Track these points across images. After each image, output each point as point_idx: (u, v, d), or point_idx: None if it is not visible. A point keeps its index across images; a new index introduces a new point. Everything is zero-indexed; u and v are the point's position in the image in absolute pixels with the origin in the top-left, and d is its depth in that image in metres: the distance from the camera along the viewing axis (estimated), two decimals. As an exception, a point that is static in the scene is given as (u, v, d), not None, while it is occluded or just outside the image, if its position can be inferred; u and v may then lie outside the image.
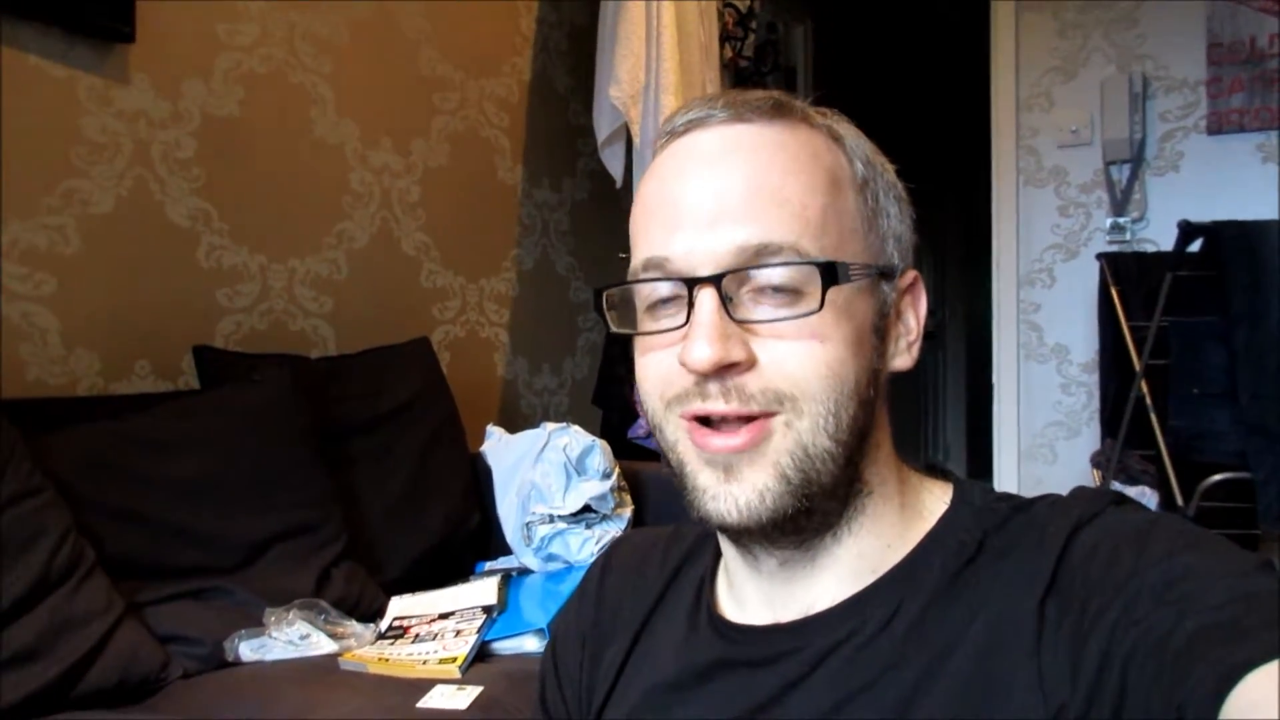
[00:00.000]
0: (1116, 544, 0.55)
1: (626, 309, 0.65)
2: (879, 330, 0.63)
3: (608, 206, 3.34)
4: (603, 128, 2.85)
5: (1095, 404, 3.13)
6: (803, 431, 0.58)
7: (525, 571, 2.03)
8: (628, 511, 2.05)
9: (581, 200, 3.31)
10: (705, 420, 0.59)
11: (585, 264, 3.31)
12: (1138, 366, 2.55)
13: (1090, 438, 3.18)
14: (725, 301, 0.58)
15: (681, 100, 2.84)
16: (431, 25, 2.72)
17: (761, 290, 0.59)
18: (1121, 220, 3.18)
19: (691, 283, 0.58)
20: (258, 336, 2.24)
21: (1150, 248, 3.08)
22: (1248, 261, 2.23)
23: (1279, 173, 2.94)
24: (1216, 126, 3.07)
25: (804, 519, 0.60)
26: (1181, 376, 2.39)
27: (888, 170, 0.66)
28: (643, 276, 0.62)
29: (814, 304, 0.57)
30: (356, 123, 2.49)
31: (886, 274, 0.63)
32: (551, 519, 1.98)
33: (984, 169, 3.49)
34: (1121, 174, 3.20)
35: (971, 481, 0.67)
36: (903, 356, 0.66)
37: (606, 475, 2.03)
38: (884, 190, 0.65)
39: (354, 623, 1.72)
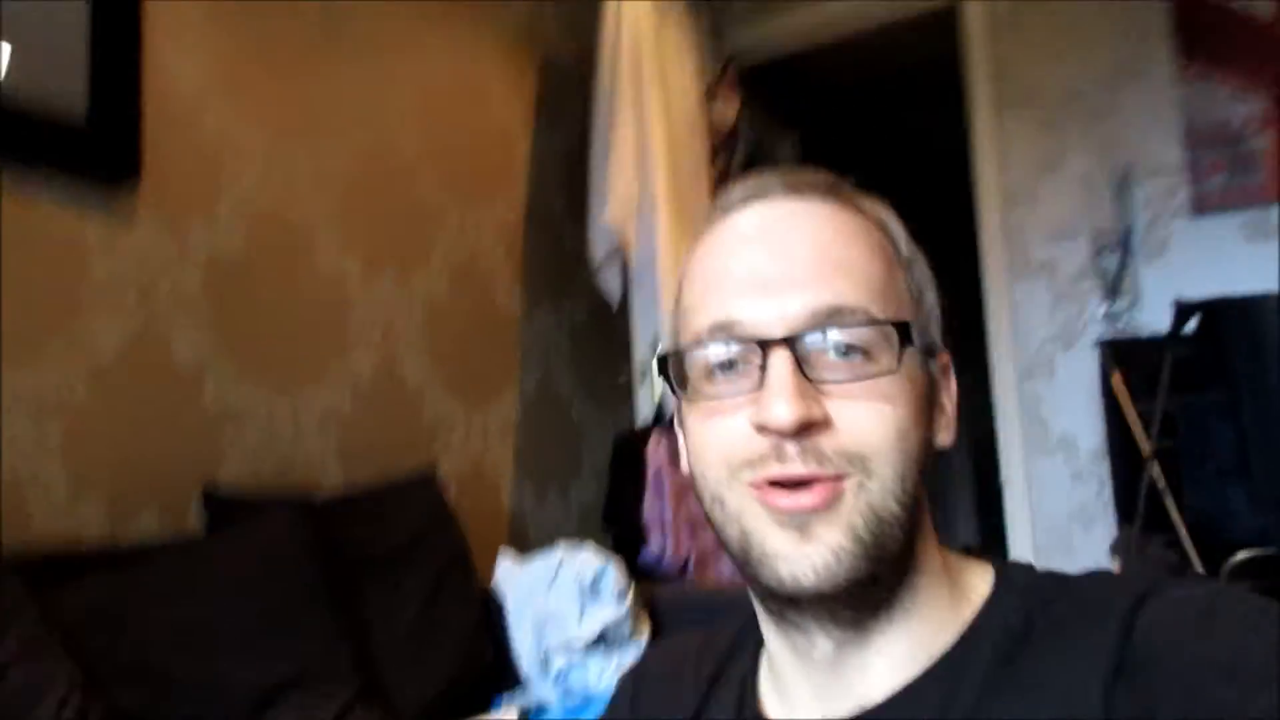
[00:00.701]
0: (1181, 621, 0.54)
1: (678, 380, 0.65)
2: (930, 402, 0.64)
3: (607, 327, 3.36)
4: (598, 251, 2.90)
5: (1108, 492, 3.09)
6: (873, 494, 0.58)
7: (544, 708, 1.98)
8: (645, 635, 2.01)
9: (581, 322, 3.34)
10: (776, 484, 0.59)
11: (586, 385, 3.32)
12: (1146, 451, 2.53)
13: (1107, 526, 3.13)
14: (800, 363, 0.58)
15: (675, 217, 2.89)
16: (429, 156, 2.78)
17: (830, 356, 0.59)
18: (1116, 307, 3.20)
19: (765, 344, 0.58)
20: (264, 475, 2.23)
21: (1147, 331, 3.09)
22: (1246, 336, 2.23)
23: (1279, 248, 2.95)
24: (1200, 208, 3.11)
25: (870, 588, 0.59)
26: (1193, 457, 2.37)
27: (921, 255, 0.68)
28: (709, 340, 0.62)
29: (889, 364, 0.59)
30: (358, 256, 2.54)
31: (930, 351, 0.65)
32: (569, 647, 1.94)
33: (973, 267, 3.53)
34: (1111, 261, 3.23)
35: (1013, 562, 0.67)
36: (944, 433, 0.66)
37: (622, 598, 1.99)
38: (922, 272, 0.67)
39: (371, 769, 1.67)
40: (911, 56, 4.23)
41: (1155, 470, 2.50)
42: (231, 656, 1.71)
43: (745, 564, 0.61)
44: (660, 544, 2.57)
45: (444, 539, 2.25)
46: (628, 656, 1.93)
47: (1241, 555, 2.24)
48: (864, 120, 5.14)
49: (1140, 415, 2.62)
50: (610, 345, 3.37)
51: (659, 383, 2.83)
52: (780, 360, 0.58)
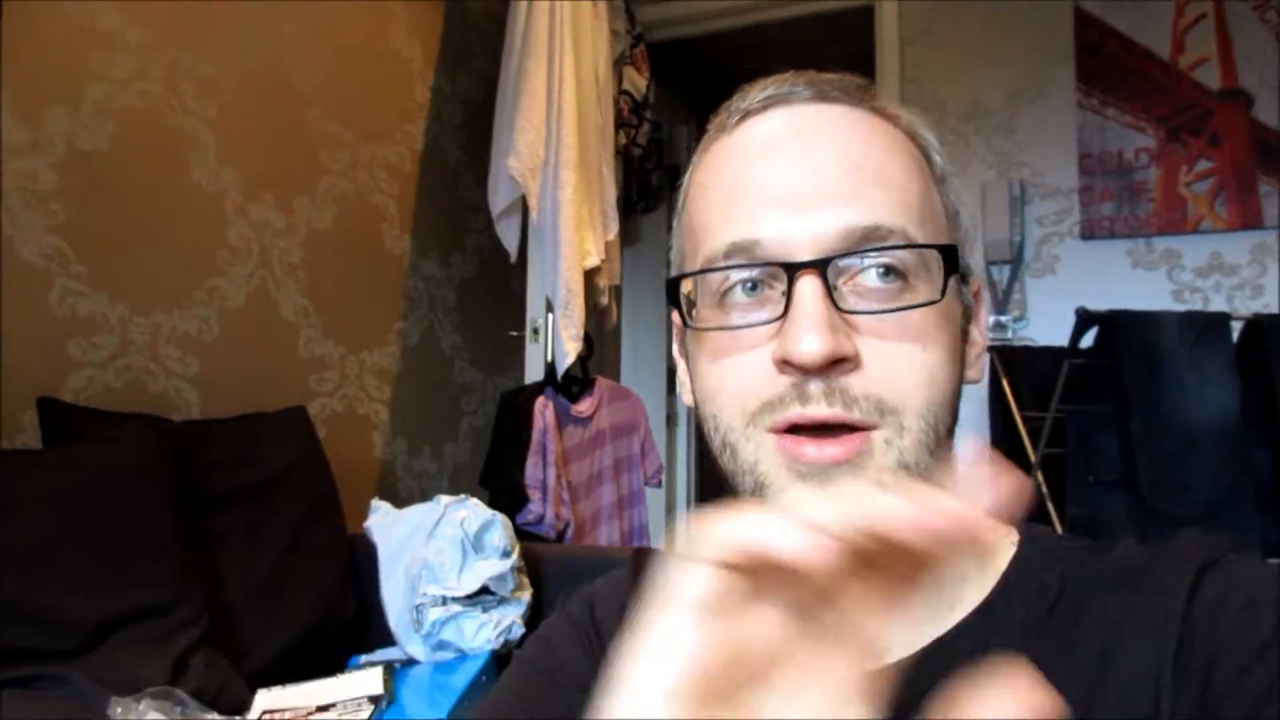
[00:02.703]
0: (1248, 599, 0.48)
1: (687, 308, 0.57)
2: (965, 335, 0.58)
3: (497, 286, 3.23)
4: (499, 199, 2.76)
5: (982, 498, 3.12)
6: (905, 450, 0.51)
7: (410, 663, 1.82)
8: (527, 595, 1.88)
9: (469, 278, 3.18)
10: (796, 430, 0.51)
11: (471, 344, 3.17)
12: (1033, 457, 2.55)
13: (978, 533, 3.17)
14: (830, 290, 0.50)
15: (580, 177, 2.78)
16: (323, 82, 2.58)
17: (864, 280, 0.52)
18: (1003, 318, 3.25)
19: (792, 268, 0.50)
20: (113, 395, 1.99)
21: (1031, 344, 3.15)
22: (1142, 349, 2.27)
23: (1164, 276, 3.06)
24: (1089, 232, 3.19)
25: None
26: (1079, 464, 2.40)
27: (953, 172, 0.62)
28: (725, 264, 0.53)
29: (930, 294, 0.52)
30: (238, 173, 2.32)
31: (964, 278, 0.59)
32: (444, 601, 1.79)
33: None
34: (1002, 274, 3.29)
35: (1034, 524, 0.61)
36: (974, 368, 0.60)
37: (506, 554, 1.85)
38: (956, 190, 0.61)
39: (215, 715, 1.48)
40: (823, 54, 4.23)
41: (1039, 476, 2.52)
42: (64, 582, 1.50)
43: None
44: (540, 508, 2.44)
45: (312, 479, 2.06)
46: (508, 615, 1.79)
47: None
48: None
49: (1027, 422, 2.64)
50: (499, 306, 3.24)
51: (552, 341, 2.70)
52: (809, 286, 0.50)
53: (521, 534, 2.43)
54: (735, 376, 0.53)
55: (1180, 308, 3.00)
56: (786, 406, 0.51)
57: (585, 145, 2.87)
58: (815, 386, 0.50)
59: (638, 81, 3.49)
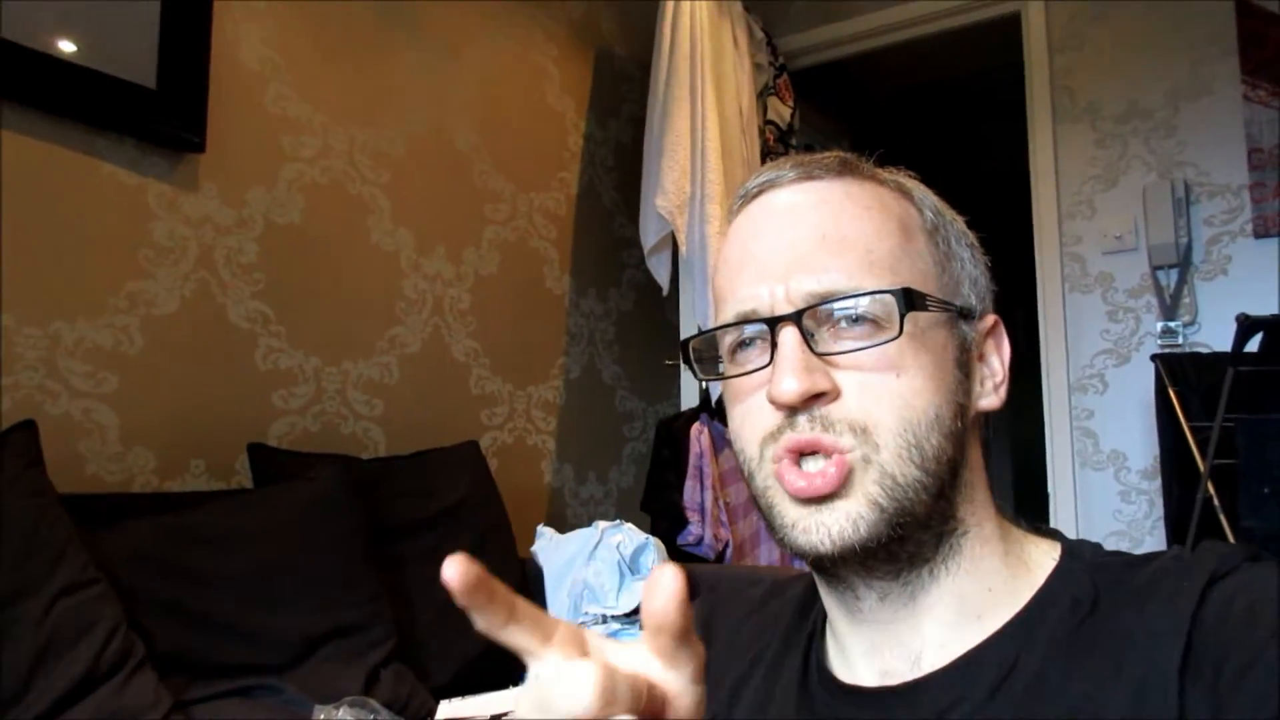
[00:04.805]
0: (1253, 601, 0.52)
1: (712, 366, 0.67)
2: (962, 366, 0.64)
3: (653, 318, 3.38)
4: (649, 236, 2.90)
5: (1157, 512, 3.03)
6: (886, 463, 0.58)
7: (577, 677, 1.97)
8: (682, 613, 1.99)
9: (627, 311, 3.35)
10: (796, 457, 0.60)
11: (631, 374, 3.33)
12: (1202, 468, 2.48)
13: (1155, 547, 3.07)
14: (807, 337, 0.59)
15: (726, 211, 2.88)
16: (483, 141, 2.81)
17: (841, 326, 0.60)
18: (1173, 324, 3.14)
19: (773, 322, 0.60)
20: (310, 438, 2.25)
21: (1204, 350, 3.03)
22: (1311, 354, 2.18)
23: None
24: (1263, 230, 3.05)
25: (897, 548, 0.60)
26: (1251, 475, 2.32)
27: (957, 220, 0.69)
28: (718, 324, 0.65)
29: (893, 331, 0.59)
30: (411, 232, 2.56)
31: (965, 314, 0.65)
32: (604, 619, 1.93)
33: (1028, 278, 3.49)
34: (1169, 278, 3.18)
35: (1080, 540, 0.66)
36: (990, 397, 0.66)
37: (661, 574, 1.98)
38: (955, 237, 0.67)
39: (404, 723, 1.66)
40: (969, 66, 4.20)
41: (1210, 488, 2.45)
42: (273, 607, 1.72)
43: (774, 532, 0.62)
44: (699, 529, 2.56)
45: (485, 508, 2.25)
46: (664, 633, 1.91)
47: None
48: (919, 128, 5.11)
49: (1195, 432, 2.56)
50: (655, 337, 3.39)
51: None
52: (787, 336, 0.59)
53: (683, 554, 2.56)
54: (747, 415, 0.63)
55: (1368, 304, 2.84)
56: (781, 433, 0.60)
57: (730, 179, 2.98)
58: (801, 417, 0.59)
59: (782, 111, 3.58)
